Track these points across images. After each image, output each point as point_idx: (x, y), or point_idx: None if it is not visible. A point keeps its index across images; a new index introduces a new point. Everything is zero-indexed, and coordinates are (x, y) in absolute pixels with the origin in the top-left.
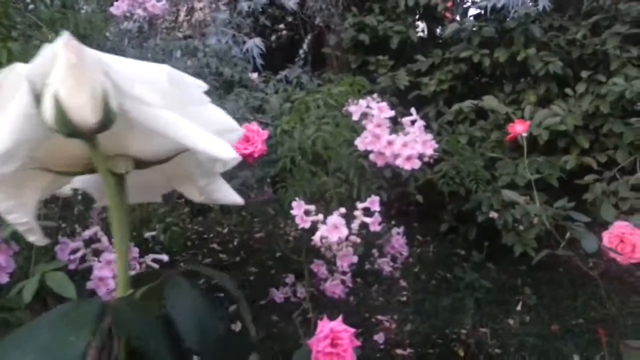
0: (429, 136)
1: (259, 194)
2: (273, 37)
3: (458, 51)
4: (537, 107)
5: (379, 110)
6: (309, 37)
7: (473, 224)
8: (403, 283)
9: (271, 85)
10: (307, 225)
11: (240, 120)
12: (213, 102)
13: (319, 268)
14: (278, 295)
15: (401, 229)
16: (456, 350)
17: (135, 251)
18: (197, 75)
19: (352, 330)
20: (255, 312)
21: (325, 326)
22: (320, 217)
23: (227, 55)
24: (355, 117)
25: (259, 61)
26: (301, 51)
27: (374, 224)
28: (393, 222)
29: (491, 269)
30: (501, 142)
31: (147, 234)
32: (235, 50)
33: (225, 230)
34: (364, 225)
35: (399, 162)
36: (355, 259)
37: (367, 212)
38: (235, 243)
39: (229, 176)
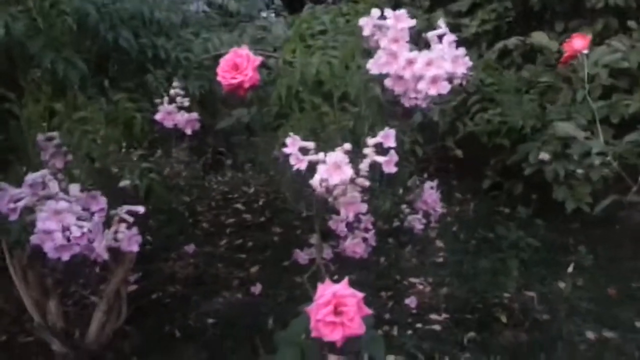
0: (461, 51)
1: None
2: None
3: None
4: (594, 47)
5: (395, 19)
6: None
7: (518, 179)
8: (439, 243)
9: (281, 20)
10: (304, 165)
11: None
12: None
13: (338, 225)
14: (302, 256)
15: (435, 183)
16: (498, 316)
17: (102, 201)
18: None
19: (360, 295)
20: (278, 273)
21: (327, 290)
22: (321, 156)
23: None
24: (366, 32)
25: (278, 1)
26: None
27: (389, 163)
28: (425, 175)
29: (539, 225)
30: (552, 86)
31: (122, 183)
32: None
33: (252, 190)
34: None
35: (422, 85)
36: (364, 207)
37: (380, 149)
38: (260, 203)
39: (222, 115)
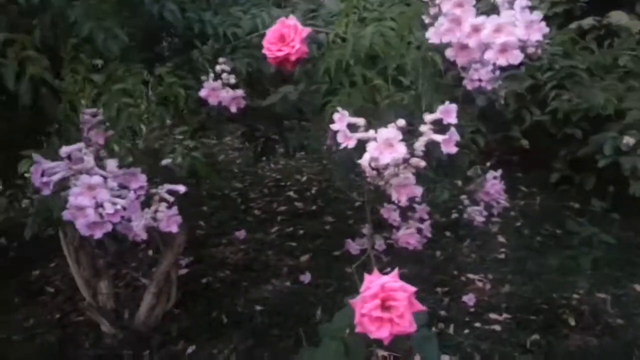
0: (537, 16)
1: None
2: None
3: None
4: None
5: None
6: None
7: (591, 172)
8: (501, 238)
9: None
10: (352, 143)
11: None
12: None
13: (390, 213)
14: (354, 246)
15: (498, 173)
16: (565, 318)
17: (142, 179)
18: None
19: (412, 289)
20: (328, 263)
21: (375, 282)
22: (372, 133)
23: None
24: None
25: None
26: None
27: (448, 143)
28: (488, 164)
29: (614, 221)
30: (631, 72)
31: (164, 162)
32: None
33: (304, 179)
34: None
35: (489, 55)
36: (418, 190)
37: (439, 126)
38: (312, 191)
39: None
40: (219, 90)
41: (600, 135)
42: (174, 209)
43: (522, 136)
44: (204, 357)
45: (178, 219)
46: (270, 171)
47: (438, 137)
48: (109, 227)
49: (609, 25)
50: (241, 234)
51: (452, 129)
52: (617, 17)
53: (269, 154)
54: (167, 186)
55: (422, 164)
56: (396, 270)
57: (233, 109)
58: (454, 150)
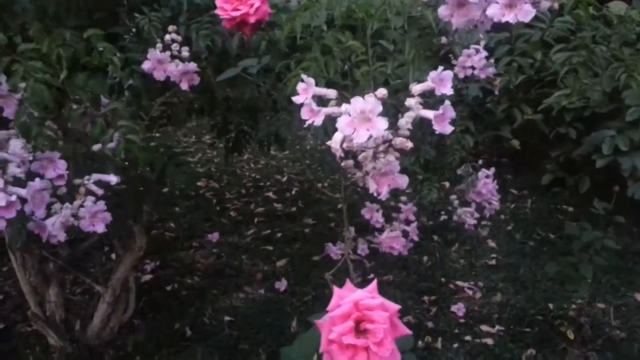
0: None
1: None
2: None
3: None
4: None
5: None
6: None
7: (586, 173)
8: (491, 243)
9: None
10: (319, 119)
11: None
12: None
13: (373, 214)
14: (334, 251)
15: (491, 171)
16: (563, 331)
17: (61, 166)
18: None
19: (395, 307)
20: (306, 269)
21: (346, 297)
22: (345, 107)
23: None
24: None
25: None
26: None
27: (442, 120)
28: (480, 162)
29: (619, 224)
30: (628, 67)
31: (95, 147)
32: None
33: (285, 179)
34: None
35: (493, 10)
36: (404, 180)
37: (429, 98)
38: (293, 192)
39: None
40: (167, 63)
41: (597, 133)
42: (101, 204)
43: (512, 136)
44: None
45: (106, 217)
46: (250, 171)
47: (429, 113)
48: (2, 224)
49: (605, 18)
50: (214, 236)
51: (447, 103)
52: (617, 7)
53: (241, 148)
54: (96, 176)
55: (409, 144)
56: (375, 283)
57: (184, 86)
58: (448, 129)
